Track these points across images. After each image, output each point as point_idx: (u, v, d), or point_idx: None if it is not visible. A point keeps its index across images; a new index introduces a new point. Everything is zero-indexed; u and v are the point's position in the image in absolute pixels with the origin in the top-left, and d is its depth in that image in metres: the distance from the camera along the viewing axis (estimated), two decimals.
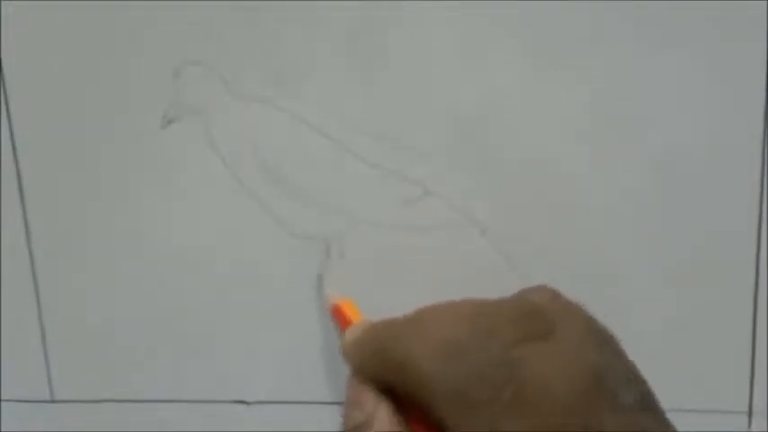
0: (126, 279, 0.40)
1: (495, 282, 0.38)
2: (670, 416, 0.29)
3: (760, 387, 0.38)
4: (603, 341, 0.30)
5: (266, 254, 0.39)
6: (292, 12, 0.36)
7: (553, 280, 0.37)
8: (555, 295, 0.31)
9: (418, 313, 0.32)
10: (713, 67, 0.35)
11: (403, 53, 0.37)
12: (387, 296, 0.38)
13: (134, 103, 0.38)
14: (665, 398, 0.31)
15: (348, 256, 0.38)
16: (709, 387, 0.37)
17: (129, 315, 0.40)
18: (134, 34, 0.37)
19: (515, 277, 0.37)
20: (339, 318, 0.36)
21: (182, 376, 0.40)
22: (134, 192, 0.39)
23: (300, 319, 0.39)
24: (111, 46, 0.37)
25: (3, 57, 0.38)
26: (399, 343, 0.30)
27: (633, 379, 0.29)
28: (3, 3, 0.37)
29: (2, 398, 0.41)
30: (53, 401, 0.41)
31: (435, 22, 0.36)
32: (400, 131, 0.37)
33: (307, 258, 0.38)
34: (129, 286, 0.40)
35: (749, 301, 0.37)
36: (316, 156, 0.38)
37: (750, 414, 0.38)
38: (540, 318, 0.29)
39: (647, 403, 0.28)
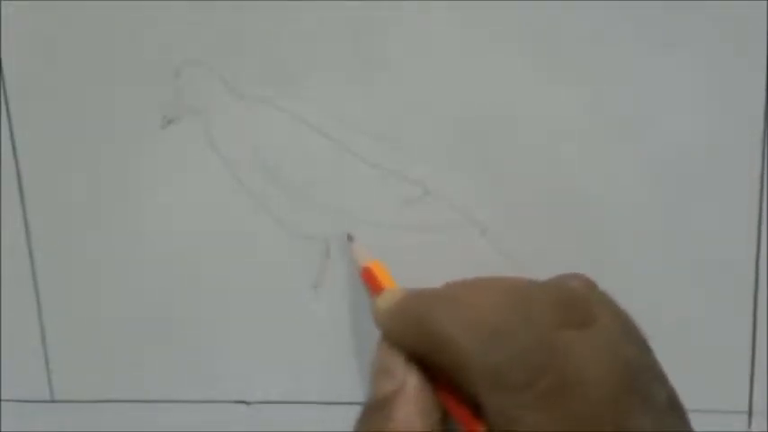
0: (126, 279, 0.40)
1: None
2: None
3: (760, 387, 0.38)
4: (637, 336, 0.30)
5: (266, 254, 0.39)
6: (292, 12, 0.36)
7: None
8: (592, 284, 0.31)
9: (455, 289, 0.32)
10: (713, 67, 0.35)
11: (403, 53, 0.36)
12: None
13: (134, 103, 0.38)
14: None
15: (348, 255, 0.38)
16: (709, 387, 0.37)
17: (129, 315, 0.40)
18: (134, 34, 0.37)
19: None
20: (370, 281, 0.36)
21: (182, 376, 0.40)
22: (134, 192, 0.39)
23: (300, 319, 0.39)
24: (111, 46, 0.37)
25: (3, 57, 0.38)
26: (437, 318, 0.29)
27: (662, 377, 0.29)
28: (3, 3, 0.37)
29: (2, 398, 0.41)
30: (53, 401, 0.41)
31: (435, 22, 0.36)
32: (400, 131, 0.37)
33: (307, 258, 0.39)
34: (129, 286, 0.40)
35: (749, 301, 0.37)
36: (316, 156, 0.38)
37: (750, 414, 0.38)
38: (580, 306, 0.29)
39: (674, 402, 0.28)
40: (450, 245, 0.38)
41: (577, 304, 0.29)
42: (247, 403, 0.40)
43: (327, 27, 0.36)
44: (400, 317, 0.32)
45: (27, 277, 0.40)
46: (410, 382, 0.30)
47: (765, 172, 0.36)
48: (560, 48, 0.36)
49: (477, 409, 0.28)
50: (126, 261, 0.40)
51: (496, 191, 0.37)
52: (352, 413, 0.40)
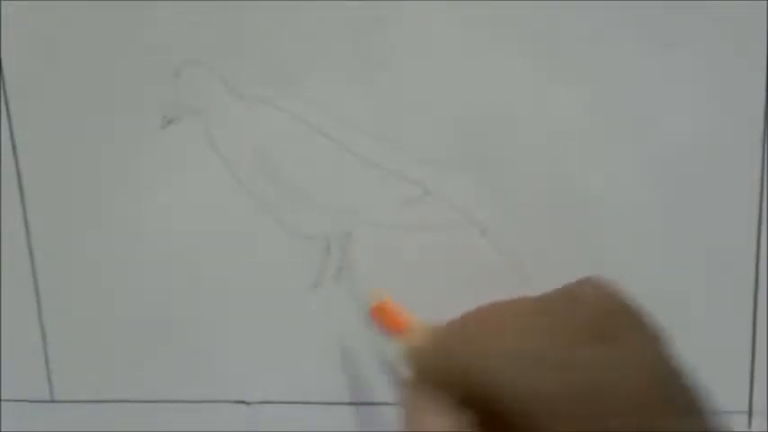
0: (126, 279, 0.40)
1: (495, 282, 0.38)
2: None
3: (760, 387, 0.38)
4: (663, 342, 0.30)
5: (266, 254, 0.39)
6: (292, 12, 0.36)
7: (553, 280, 0.38)
8: (613, 291, 0.31)
9: (481, 316, 0.31)
10: (713, 67, 0.35)
11: (403, 53, 0.37)
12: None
13: (134, 103, 0.38)
14: None
15: (348, 255, 0.38)
16: (709, 387, 0.37)
17: (129, 315, 0.40)
18: (134, 34, 0.37)
19: (515, 277, 0.37)
20: (384, 318, 0.35)
21: (182, 376, 0.40)
22: (134, 192, 0.39)
23: (300, 319, 0.39)
24: (111, 46, 0.37)
25: (3, 57, 0.38)
26: (469, 351, 0.30)
27: (688, 381, 0.29)
28: (3, 3, 0.37)
29: (2, 398, 0.41)
30: (53, 401, 0.41)
31: (436, 21, 0.36)
32: (400, 131, 0.37)
33: (307, 258, 0.39)
34: (129, 286, 0.40)
35: (749, 301, 0.37)
36: (316, 156, 0.38)
37: (750, 414, 0.38)
38: (607, 320, 0.29)
39: (701, 407, 0.29)
40: (451, 245, 0.38)
41: (604, 319, 0.29)
42: (247, 403, 0.40)
43: (327, 27, 0.36)
44: (432, 353, 0.31)
45: (27, 277, 0.40)
46: (459, 420, 0.30)
47: (765, 172, 0.36)
48: (560, 48, 0.36)
49: None
50: (126, 261, 0.40)
51: (496, 191, 0.37)
52: (352, 413, 0.40)
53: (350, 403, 0.40)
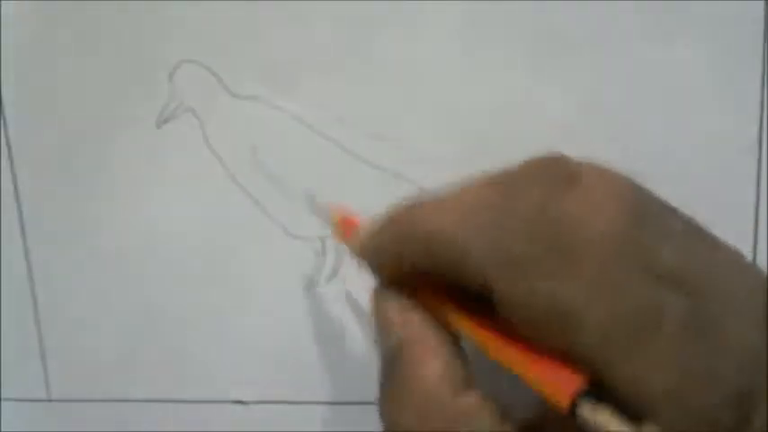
0: (123, 278, 0.40)
1: None
2: None
3: None
4: (631, 178, 0.27)
5: (264, 254, 0.39)
6: (291, 10, 0.36)
7: None
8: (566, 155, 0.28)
9: (432, 196, 0.29)
10: (713, 66, 0.35)
11: (403, 53, 0.36)
12: None
13: (132, 103, 0.38)
14: None
15: (347, 255, 0.38)
16: None
17: (127, 315, 0.40)
18: (130, 33, 0.37)
19: None
20: (350, 228, 0.33)
21: (179, 376, 0.40)
22: (130, 191, 0.39)
23: (299, 319, 0.39)
24: (107, 45, 0.38)
25: (2, 56, 0.38)
26: (424, 219, 0.27)
27: (671, 207, 0.27)
28: (2, 3, 0.38)
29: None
30: (50, 401, 0.41)
31: (435, 21, 0.36)
32: (400, 131, 0.37)
33: (304, 258, 0.38)
34: (127, 286, 0.40)
35: None
36: (314, 156, 0.38)
37: None
38: (561, 165, 0.27)
39: (695, 227, 0.26)
40: None
41: (558, 165, 0.27)
42: (244, 403, 0.40)
43: (326, 26, 0.36)
44: (386, 233, 0.29)
45: (23, 276, 0.40)
46: (413, 323, 0.28)
47: (761, 169, 0.36)
48: (559, 47, 0.36)
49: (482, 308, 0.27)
50: (122, 260, 0.40)
51: None
52: (351, 413, 0.40)
53: (348, 403, 0.40)
